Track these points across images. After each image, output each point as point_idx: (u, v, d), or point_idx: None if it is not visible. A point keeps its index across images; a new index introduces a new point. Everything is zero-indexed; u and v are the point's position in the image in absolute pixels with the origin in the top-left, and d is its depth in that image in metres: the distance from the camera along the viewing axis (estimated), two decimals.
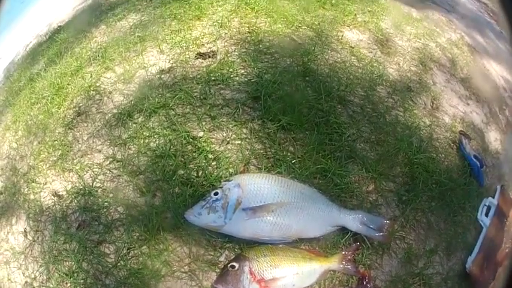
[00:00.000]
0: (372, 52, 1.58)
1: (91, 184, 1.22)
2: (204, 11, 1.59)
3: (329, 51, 1.47)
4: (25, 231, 1.29)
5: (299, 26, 1.55)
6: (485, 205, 1.33)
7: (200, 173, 1.11)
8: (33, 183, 1.36)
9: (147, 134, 1.22)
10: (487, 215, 1.32)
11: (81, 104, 1.46)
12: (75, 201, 1.24)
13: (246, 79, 1.29)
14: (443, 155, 1.42)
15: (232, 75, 1.30)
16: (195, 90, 1.26)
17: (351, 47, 1.54)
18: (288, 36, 1.48)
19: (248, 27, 1.50)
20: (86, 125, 1.39)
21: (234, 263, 0.99)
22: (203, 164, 1.11)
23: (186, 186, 1.09)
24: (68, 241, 1.18)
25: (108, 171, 1.22)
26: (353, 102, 1.33)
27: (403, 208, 1.20)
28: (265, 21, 1.55)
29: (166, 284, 1.05)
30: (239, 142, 1.15)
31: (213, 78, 1.29)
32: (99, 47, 1.64)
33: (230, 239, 1.06)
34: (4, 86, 2.02)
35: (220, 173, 1.10)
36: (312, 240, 1.06)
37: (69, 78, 1.59)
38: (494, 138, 1.66)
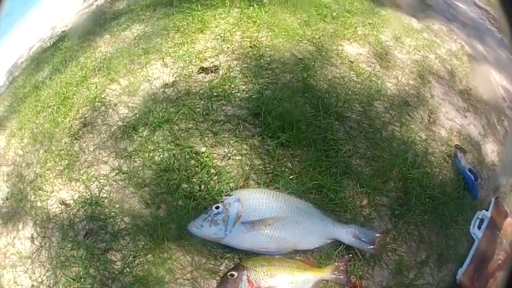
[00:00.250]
0: (371, 66, 1.69)
1: (98, 194, 1.34)
2: (206, 24, 1.71)
3: (328, 67, 1.58)
4: (32, 236, 1.40)
5: (300, 40, 1.67)
6: (478, 218, 1.42)
7: (202, 187, 1.24)
8: (40, 191, 1.48)
9: (152, 148, 1.34)
10: (479, 227, 1.40)
11: (86, 115, 1.58)
12: (82, 210, 1.35)
13: (247, 95, 1.41)
14: (437, 169, 1.52)
15: (233, 91, 1.42)
16: (197, 106, 1.39)
17: (350, 61, 1.66)
18: (288, 51, 1.60)
19: (250, 41, 1.62)
20: (91, 136, 1.51)
21: (233, 272, 1.11)
22: (205, 178, 1.24)
23: (189, 199, 1.22)
24: (76, 248, 1.30)
25: (114, 183, 1.35)
26: (350, 118, 1.44)
27: (396, 222, 1.31)
28: (267, 35, 1.67)
29: None
30: (240, 158, 1.28)
31: (215, 94, 1.42)
32: (103, 57, 1.76)
33: (230, 249, 1.18)
34: (8, 91, 2.14)
35: (222, 188, 1.23)
36: (307, 251, 1.18)
37: (75, 88, 1.71)
38: (491, 150, 1.75)
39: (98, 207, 1.33)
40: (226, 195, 1.18)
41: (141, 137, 1.38)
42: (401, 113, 1.59)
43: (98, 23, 1.99)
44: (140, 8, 1.94)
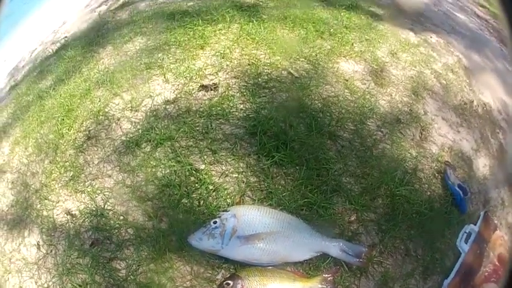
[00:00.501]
0: (365, 84, 1.85)
1: (103, 206, 1.51)
2: (207, 40, 1.87)
3: (324, 85, 1.74)
4: (38, 244, 1.56)
5: (297, 58, 1.82)
6: (465, 232, 1.54)
7: (201, 202, 1.41)
8: (45, 201, 1.64)
9: (154, 164, 1.51)
10: (466, 241, 1.52)
11: (90, 128, 1.74)
12: (88, 220, 1.51)
13: (244, 114, 1.58)
14: (426, 185, 1.66)
15: (232, 110, 1.59)
16: (197, 124, 1.56)
17: (345, 79, 1.81)
18: (285, 69, 1.76)
19: (248, 59, 1.78)
20: (96, 149, 1.67)
21: (229, 281, 1.28)
22: (204, 194, 1.41)
23: (189, 213, 1.39)
24: (82, 256, 1.45)
25: (118, 196, 1.52)
26: (342, 137, 1.60)
27: (382, 236, 1.46)
28: (265, 52, 1.83)
29: None
30: (236, 175, 1.45)
31: (214, 112, 1.58)
32: (106, 70, 1.92)
33: (226, 260, 1.35)
34: (11, 97, 2.30)
35: (219, 203, 1.40)
36: (297, 263, 1.35)
37: (78, 100, 1.87)
38: (483, 164, 1.88)
39: (103, 219, 1.49)
40: (223, 211, 1.36)
41: (143, 152, 1.55)
42: (393, 131, 1.73)
43: (101, 33, 2.14)
44: (142, 20, 2.09)
